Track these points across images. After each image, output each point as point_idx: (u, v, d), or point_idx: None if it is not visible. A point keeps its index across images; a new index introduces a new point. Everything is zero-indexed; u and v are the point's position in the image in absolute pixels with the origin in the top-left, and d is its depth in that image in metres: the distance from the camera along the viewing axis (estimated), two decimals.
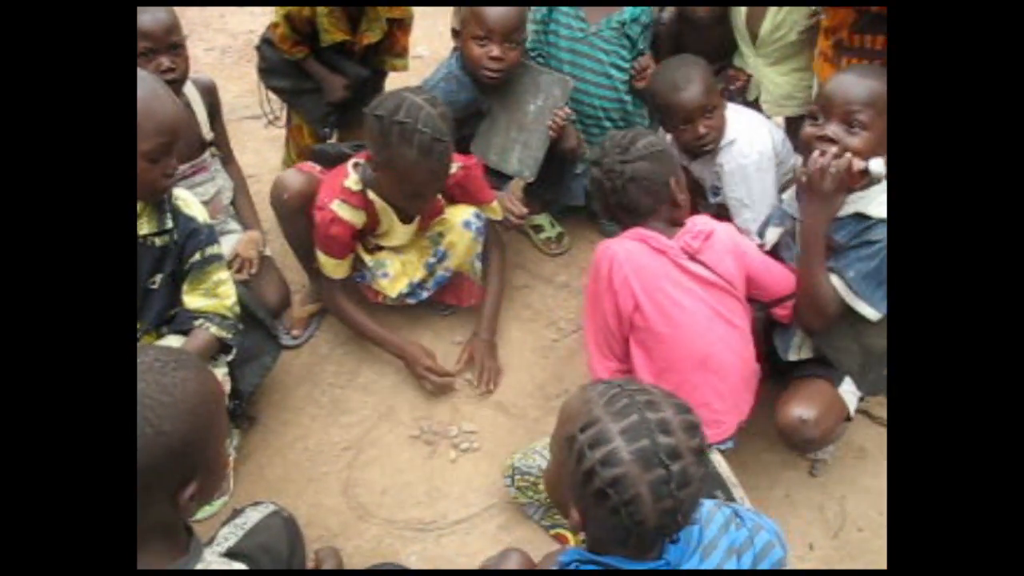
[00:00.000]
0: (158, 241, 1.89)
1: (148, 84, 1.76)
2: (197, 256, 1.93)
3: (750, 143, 2.40)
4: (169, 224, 1.88)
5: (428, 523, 2.04)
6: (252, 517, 1.55)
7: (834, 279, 1.85)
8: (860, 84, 1.79)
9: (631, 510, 1.16)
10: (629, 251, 1.88)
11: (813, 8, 2.41)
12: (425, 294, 2.50)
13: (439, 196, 2.40)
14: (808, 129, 1.85)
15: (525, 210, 2.62)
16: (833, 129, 1.79)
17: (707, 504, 1.37)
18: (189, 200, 1.95)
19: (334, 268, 2.34)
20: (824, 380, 1.97)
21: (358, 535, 2.01)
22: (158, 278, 1.92)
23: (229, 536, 1.48)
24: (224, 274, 1.99)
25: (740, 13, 2.61)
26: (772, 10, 2.50)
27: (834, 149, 1.78)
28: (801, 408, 1.90)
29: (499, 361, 2.47)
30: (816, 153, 1.80)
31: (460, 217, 2.43)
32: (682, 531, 1.24)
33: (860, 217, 1.83)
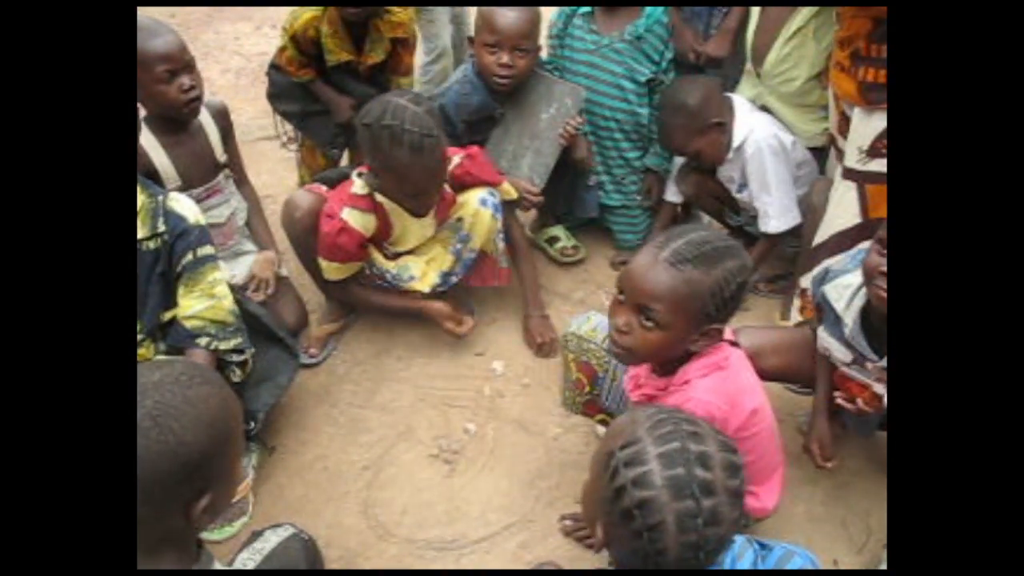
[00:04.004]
0: (151, 244, 1.89)
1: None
2: (190, 256, 1.93)
3: (767, 128, 2.54)
4: (162, 227, 1.89)
5: (448, 542, 2.03)
6: (271, 540, 1.55)
7: None
8: None
9: (654, 536, 1.14)
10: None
11: (828, 45, 2.39)
12: (455, 279, 2.54)
13: (448, 188, 2.42)
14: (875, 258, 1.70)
15: (537, 190, 2.66)
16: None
17: (738, 539, 1.34)
18: (181, 200, 1.96)
19: (335, 271, 2.38)
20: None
21: (378, 555, 2.00)
22: (152, 279, 1.92)
23: (247, 562, 1.48)
24: (219, 274, 2.00)
25: (747, 42, 2.61)
26: (779, 43, 2.51)
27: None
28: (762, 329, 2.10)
29: (554, 331, 2.57)
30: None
31: (475, 197, 2.45)
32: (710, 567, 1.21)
33: None
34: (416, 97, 2.19)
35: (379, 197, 2.30)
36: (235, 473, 1.25)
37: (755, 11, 2.62)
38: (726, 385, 1.63)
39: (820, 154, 2.64)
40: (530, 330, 2.57)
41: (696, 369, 1.62)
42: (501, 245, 2.54)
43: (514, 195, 2.56)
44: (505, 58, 2.50)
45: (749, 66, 2.67)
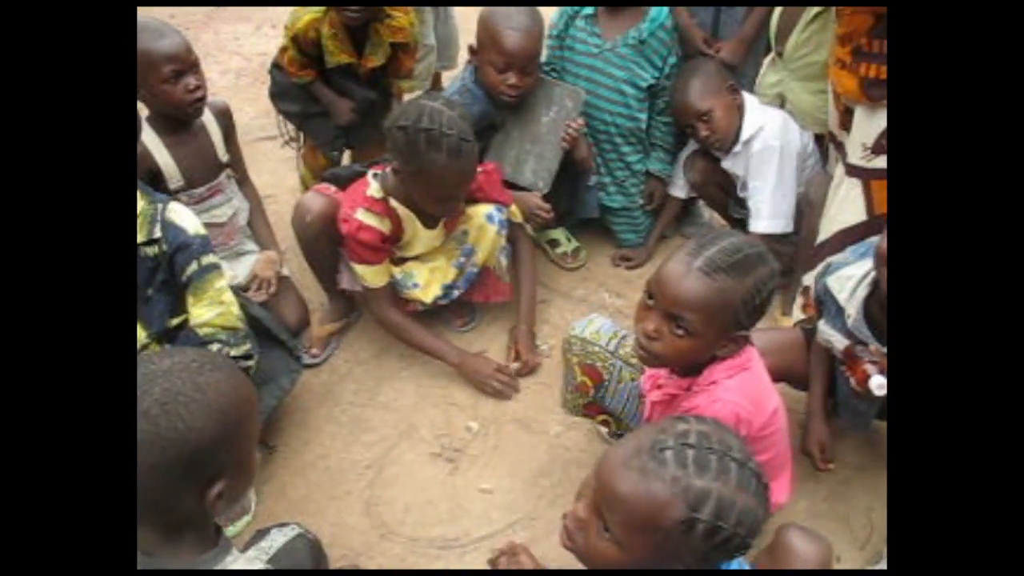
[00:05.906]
0: (149, 251, 1.90)
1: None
2: (194, 266, 1.94)
3: (781, 128, 2.55)
4: (158, 233, 1.89)
5: (451, 540, 2.04)
6: (277, 540, 1.55)
7: None
8: None
9: (752, 536, 1.18)
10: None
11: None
12: (456, 293, 2.53)
13: None
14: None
15: (548, 206, 2.64)
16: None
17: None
18: (181, 211, 1.96)
19: (374, 276, 2.35)
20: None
21: (381, 554, 2.01)
22: (155, 285, 1.93)
23: (253, 560, 1.48)
24: (223, 281, 2.01)
25: (772, 25, 2.61)
26: (799, 26, 2.50)
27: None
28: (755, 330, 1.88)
29: (537, 355, 2.55)
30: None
31: (482, 212, 2.45)
32: None
33: None
34: (449, 102, 2.17)
35: (393, 202, 2.29)
36: (250, 459, 1.25)
37: None
38: (751, 385, 1.64)
39: (820, 144, 2.65)
40: (515, 342, 2.53)
41: (723, 370, 1.62)
42: (504, 262, 2.53)
43: (519, 219, 2.56)
44: (513, 79, 2.49)
45: (773, 53, 2.68)
